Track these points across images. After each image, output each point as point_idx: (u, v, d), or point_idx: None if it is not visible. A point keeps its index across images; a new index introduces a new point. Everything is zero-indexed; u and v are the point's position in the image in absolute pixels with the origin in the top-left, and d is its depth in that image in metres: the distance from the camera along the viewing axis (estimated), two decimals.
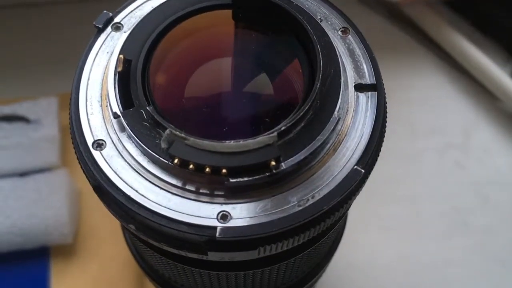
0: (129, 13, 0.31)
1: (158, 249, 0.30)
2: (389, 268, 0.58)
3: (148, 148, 0.27)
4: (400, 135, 0.64)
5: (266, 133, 0.26)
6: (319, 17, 0.31)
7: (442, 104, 0.67)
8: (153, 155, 0.27)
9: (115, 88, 0.28)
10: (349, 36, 0.31)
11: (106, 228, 0.54)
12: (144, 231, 0.27)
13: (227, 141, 0.26)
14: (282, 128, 0.26)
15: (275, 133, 0.26)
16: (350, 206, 0.30)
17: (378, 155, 0.29)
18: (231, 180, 0.26)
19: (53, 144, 0.56)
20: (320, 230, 0.28)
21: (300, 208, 0.26)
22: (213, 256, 0.27)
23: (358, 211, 0.54)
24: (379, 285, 0.57)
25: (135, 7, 0.31)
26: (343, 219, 0.35)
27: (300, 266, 0.35)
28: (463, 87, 0.68)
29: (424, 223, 0.60)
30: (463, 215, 0.61)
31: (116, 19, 0.31)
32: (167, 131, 0.26)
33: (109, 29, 0.31)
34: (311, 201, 0.26)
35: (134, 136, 0.27)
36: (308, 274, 0.38)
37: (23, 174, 0.55)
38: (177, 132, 0.26)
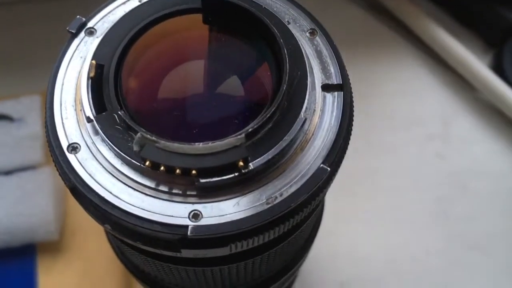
0: (102, 18, 0.32)
1: (135, 246, 0.31)
2: (370, 258, 0.59)
3: (121, 151, 0.27)
4: (380, 127, 0.65)
5: (234, 135, 0.27)
6: (287, 19, 0.31)
7: (422, 95, 0.68)
8: (125, 157, 0.27)
9: (88, 93, 0.28)
10: (317, 37, 0.31)
11: (92, 224, 0.54)
12: (120, 230, 0.28)
13: (196, 143, 0.27)
14: (250, 130, 0.27)
15: (243, 135, 0.27)
16: (319, 203, 0.31)
17: (345, 153, 0.30)
18: (201, 181, 0.27)
19: (37, 142, 0.56)
20: (290, 226, 0.29)
21: (269, 205, 0.27)
22: (186, 253, 0.28)
23: (340, 202, 0.55)
24: (361, 276, 0.58)
25: (108, 11, 0.32)
26: (316, 213, 0.36)
27: (275, 259, 0.36)
28: (442, 78, 0.68)
29: (405, 214, 0.61)
30: (443, 205, 0.62)
31: (89, 24, 0.31)
32: (138, 134, 0.27)
33: (82, 34, 0.31)
34: (279, 199, 0.27)
35: (107, 139, 0.28)
36: (286, 267, 0.40)
37: (7, 172, 0.55)
38: (148, 136, 0.27)
